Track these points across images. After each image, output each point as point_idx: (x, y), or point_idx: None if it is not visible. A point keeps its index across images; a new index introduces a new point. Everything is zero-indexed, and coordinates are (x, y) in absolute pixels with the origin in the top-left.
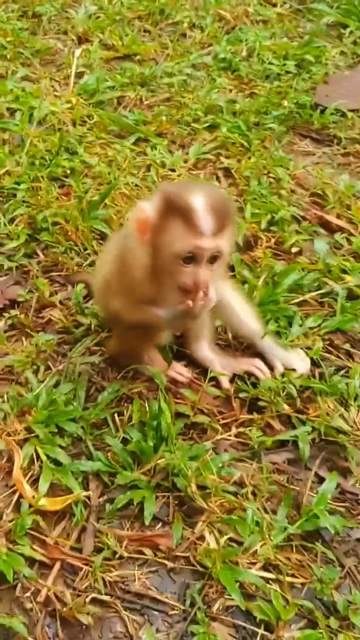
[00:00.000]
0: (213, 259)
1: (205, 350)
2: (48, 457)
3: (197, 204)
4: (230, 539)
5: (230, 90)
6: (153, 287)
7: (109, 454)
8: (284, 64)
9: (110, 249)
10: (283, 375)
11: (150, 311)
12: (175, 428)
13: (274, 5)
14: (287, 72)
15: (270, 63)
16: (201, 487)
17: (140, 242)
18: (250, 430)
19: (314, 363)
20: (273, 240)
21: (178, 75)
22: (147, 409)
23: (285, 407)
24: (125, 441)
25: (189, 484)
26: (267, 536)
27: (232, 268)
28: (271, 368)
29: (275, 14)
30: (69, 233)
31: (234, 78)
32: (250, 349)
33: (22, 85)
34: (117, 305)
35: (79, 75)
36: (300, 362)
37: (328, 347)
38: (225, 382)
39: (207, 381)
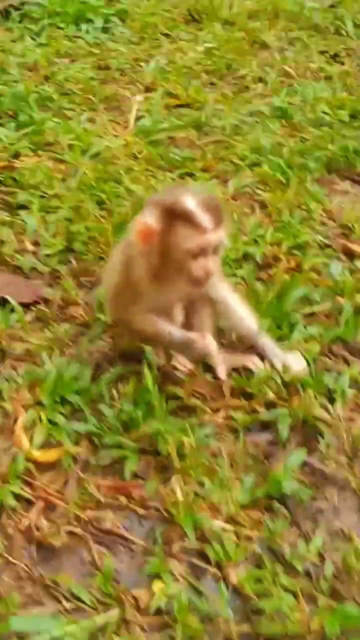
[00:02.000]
0: (216, 249)
1: None
2: (49, 420)
3: (194, 206)
4: (197, 494)
5: (282, 136)
6: (161, 288)
7: (102, 422)
8: (337, 114)
9: (114, 261)
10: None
11: (163, 326)
12: (168, 407)
13: (342, 64)
14: (340, 120)
15: (324, 112)
16: (182, 456)
17: (145, 250)
18: (236, 412)
19: (310, 365)
20: (293, 263)
21: (232, 120)
22: (143, 384)
23: (271, 394)
24: (120, 413)
25: (170, 445)
26: (234, 496)
27: (245, 282)
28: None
29: (340, 71)
30: (101, 245)
31: (287, 125)
32: (252, 349)
33: (85, 126)
34: (129, 315)
35: (140, 119)
36: (297, 362)
37: (327, 353)
38: (222, 374)
39: (201, 369)
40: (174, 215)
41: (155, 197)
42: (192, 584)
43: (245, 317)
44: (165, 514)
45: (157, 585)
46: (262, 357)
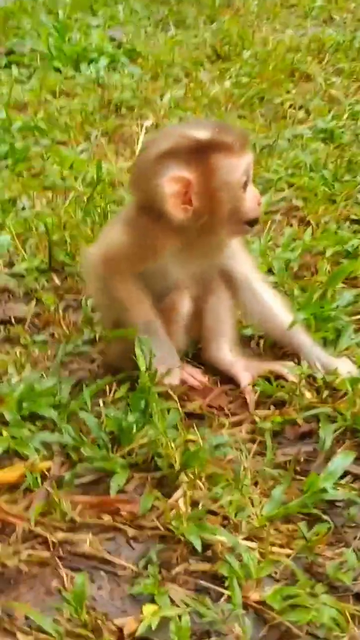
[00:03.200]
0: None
1: (224, 351)
2: (12, 437)
3: (212, 130)
4: (208, 509)
5: (327, 156)
6: (187, 257)
7: (83, 433)
8: None
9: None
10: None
11: (153, 325)
12: (171, 419)
13: None
14: None
15: None
16: (189, 466)
17: (186, 211)
18: (263, 421)
19: None
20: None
21: (264, 141)
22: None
23: (309, 396)
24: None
25: (171, 451)
26: (258, 511)
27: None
28: None
29: None
30: None
31: (334, 147)
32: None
33: (81, 156)
34: (121, 282)
35: None
36: (345, 367)
37: None
38: (244, 380)
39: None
40: (202, 152)
41: (151, 151)
42: (195, 609)
43: (275, 304)
44: (165, 531)
45: (148, 609)
46: (299, 362)
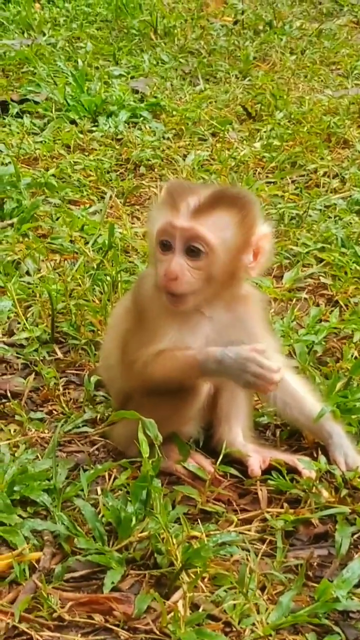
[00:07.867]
0: (192, 251)
1: (236, 434)
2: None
3: (183, 185)
4: (209, 614)
5: None
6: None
7: (78, 522)
8: None
9: (120, 312)
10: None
11: (183, 355)
12: (174, 513)
13: None
14: None
15: None
16: (190, 565)
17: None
18: (275, 520)
19: None
20: None
21: (293, 210)
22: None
23: (324, 493)
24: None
25: (172, 548)
26: (264, 618)
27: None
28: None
29: None
30: (96, 328)
31: None
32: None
33: (94, 218)
34: (141, 366)
35: None
36: None
37: None
38: (255, 467)
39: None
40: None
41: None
42: None
43: (302, 391)
44: (160, 636)
45: None
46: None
